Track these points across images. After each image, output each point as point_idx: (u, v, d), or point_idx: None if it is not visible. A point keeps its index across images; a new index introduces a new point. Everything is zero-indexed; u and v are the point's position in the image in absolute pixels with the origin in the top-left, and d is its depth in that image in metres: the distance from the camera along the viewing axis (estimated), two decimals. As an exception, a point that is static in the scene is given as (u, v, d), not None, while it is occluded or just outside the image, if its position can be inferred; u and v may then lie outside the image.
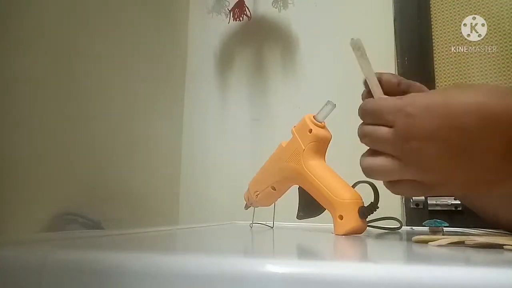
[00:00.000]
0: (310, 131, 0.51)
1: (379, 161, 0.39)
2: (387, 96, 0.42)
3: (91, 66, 0.83)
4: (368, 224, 0.50)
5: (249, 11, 1.11)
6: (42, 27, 0.71)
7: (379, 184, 0.44)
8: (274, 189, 0.56)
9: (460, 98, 0.35)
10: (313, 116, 0.53)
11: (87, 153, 0.80)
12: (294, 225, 0.68)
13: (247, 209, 0.62)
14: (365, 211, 0.47)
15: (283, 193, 0.58)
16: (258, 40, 1.23)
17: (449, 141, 0.35)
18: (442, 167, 0.36)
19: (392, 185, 0.40)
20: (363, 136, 0.41)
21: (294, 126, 0.55)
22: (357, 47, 0.50)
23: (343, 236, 0.47)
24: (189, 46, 1.30)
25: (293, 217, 0.57)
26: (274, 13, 1.14)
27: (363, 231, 0.48)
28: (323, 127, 0.53)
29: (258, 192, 0.58)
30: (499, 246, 0.28)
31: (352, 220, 0.47)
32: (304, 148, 0.51)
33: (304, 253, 0.34)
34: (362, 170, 0.41)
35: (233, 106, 1.23)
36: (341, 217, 0.47)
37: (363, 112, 0.42)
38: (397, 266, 0.20)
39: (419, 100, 0.37)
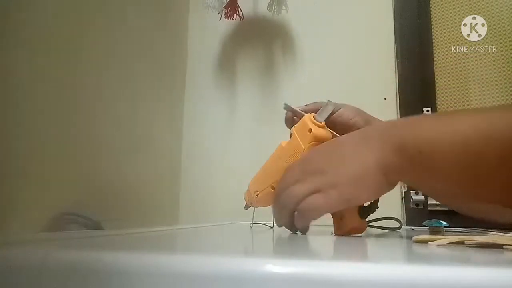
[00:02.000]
0: (310, 131, 0.51)
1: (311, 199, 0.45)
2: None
3: (91, 66, 0.83)
4: (368, 224, 0.51)
5: (241, 11, 1.12)
6: (42, 27, 0.71)
7: None
8: (274, 189, 0.56)
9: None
10: (313, 116, 0.53)
11: (87, 153, 0.80)
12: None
13: (247, 209, 0.62)
14: (365, 211, 0.47)
15: None
16: (258, 40, 1.23)
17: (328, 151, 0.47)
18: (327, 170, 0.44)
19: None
20: (295, 203, 0.46)
21: (294, 126, 0.55)
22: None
23: (343, 236, 0.47)
24: (189, 46, 1.30)
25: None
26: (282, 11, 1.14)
27: (363, 231, 0.48)
28: (323, 127, 0.52)
29: (258, 192, 0.58)
30: (499, 246, 0.28)
31: (352, 220, 0.47)
32: (304, 148, 0.51)
33: (304, 253, 0.34)
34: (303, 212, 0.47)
35: (233, 106, 1.23)
36: (341, 217, 0.47)
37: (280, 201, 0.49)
38: (397, 266, 0.20)
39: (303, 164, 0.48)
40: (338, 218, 0.48)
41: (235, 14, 1.10)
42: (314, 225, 0.55)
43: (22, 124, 0.66)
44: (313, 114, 0.53)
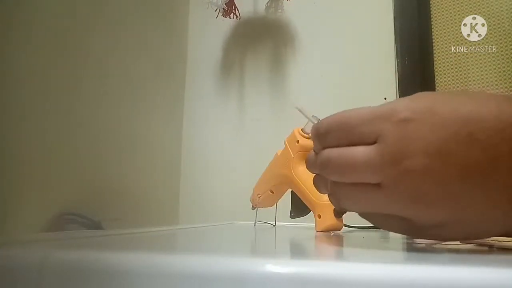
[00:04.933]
0: (298, 141, 0.58)
1: (355, 192, 0.28)
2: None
3: (91, 66, 0.83)
4: (345, 224, 0.57)
5: (238, 11, 1.12)
6: (42, 27, 0.71)
7: None
8: (272, 192, 0.63)
9: (472, 103, 0.26)
10: (301, 129, 0.59)
11: (87, 153, 0.80)
12: (295, 224, 0.68)
13: (253, 209, 0.68)
14: (339, 211, 0.53)
15: (281, 196, 0.64)
16: (258, 41, 1.23)
17: (464, 158, 0.24)
18: (448, 199, 0.25)
19: (371, 217, 0.30)
20: (325, 166, 0.29)
21: (286, 138, 0.61)
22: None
23: (329, 233, 0.53)
24: (189, 46, 1.30)
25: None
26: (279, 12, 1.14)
27: (340, 228, 0.55)
28: (310, 138, 0.58)
29: (260, 195, 0.65)
30: None
31: (328, 219, 0.53)
32: (293, 156, 0.58)
33: (304, 253, 0.34)
34: (329, 199, 0.32)
35: (233, 106, 1.23)
36: (319, 216, 0.54)
37: (321, 131, 0.29)
38: (397, 266, 0.20)
39: (413, 101, 0.26)
40: (317, 216, 0.55)
41: (232, 14, 1.11)
42: (313, 225, 0.56)
43: (22, 124, 0.66)
44: (301, 127, 0.59)
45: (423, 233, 0.27)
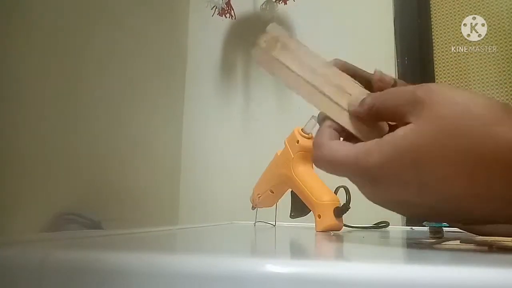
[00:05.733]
0: (298, 142, 0.58)
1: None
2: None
3: (91, 66, 0.83)
4: (345, 224, 0.57)
5: (234, 12, 1.12)
6: (43, 28, 0.71)
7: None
8: (272, 192, 0.63)
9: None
10: (301, 129, 0.59)
11: (87, 153, 0.80)
12: (295, 224, 0.68)
13: (253, 209, 0.68)
14: (339, 211, 0.53)
15: (281, 196, 0.64)
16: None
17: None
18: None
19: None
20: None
21: (286, 138, 0.61)
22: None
23: (329, 233, 0.53)
24: (189, 46, 1.30)
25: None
26: (275, 13, 1.14)
27: (340, 229, 0.54)
28: (310, 138, 0.58)
29: (260, 195, 0.65)
30: None
31: (328, 219, 0.53)
32: (293, 156, 0.58)
33: (304, 253, 0.34)
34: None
35: (233, 106, 1.23)
36: (319, 216, 0.54)
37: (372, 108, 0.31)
38: (397, 266, 0.20)
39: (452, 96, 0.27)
40: (317, 216, 0.54)
41: (227, 13, 1.11)
42: (313, 225, 0.56)
43: (22, 124, 0.66)
44: (301, 127, 0.59)
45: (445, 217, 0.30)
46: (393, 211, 0.30)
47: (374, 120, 0.32)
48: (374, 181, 0.28)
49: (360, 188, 0.30)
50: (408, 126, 0.27)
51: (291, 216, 0.62)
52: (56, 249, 0.26)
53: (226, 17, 1.11)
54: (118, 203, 0.89)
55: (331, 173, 0.31)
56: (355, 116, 0.33)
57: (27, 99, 0.67)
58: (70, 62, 0.77)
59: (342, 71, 0.39)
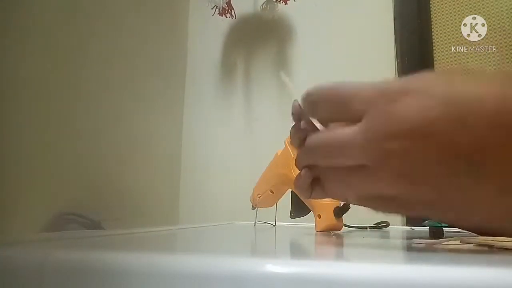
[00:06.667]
0: None
1: (341, 175, 0.28)
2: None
3: (91, 66, 0.83)
4: (345, 224, 0.57)
5: (234, 11, 1.12)
6: (43, 28, 0.71)
7: None
8: (272, 192, 0.63)
9: (468, 85, 0.25)
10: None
11: (87, 153, 0.80)
12: (295, 224, 0.68)
13: (253, 209, 0.68)
14: (338, 211, 0.53)
15: (281, 196, 0.64)
16: (258, 40, 1.23)
17: (450, 142, 0.24)
18: (434, 181, 0.25)
19: (361, 200, 0.29)
20: (312, 149, 0.29)
21: (287, 138, 0.61)
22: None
23: (329, 233, 0.54)
24: (189, 46, 1.30)
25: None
26: (276, 13, 1.14)
27: (340, 228, 0.55)
28: None
29: (259, 195, 0.65)
30: None
31: (328, 219, 0.53)
32: (293, 156, 0.57)
33: (304, 253, 0.34)
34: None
35: (233, 106, 1.23)
36: (319, 216, 0.54)
37: (312, 98, 0.29)
38: (397, 266, 0.20)
39: (409, 82, 0.26)
40: (317, 216, 0.54)
41: (228, 13, 1.11)
42: (313, 225, 0.56)
43: (22, 124, 0.66)
44: None
45: (413, 211, 0.27)
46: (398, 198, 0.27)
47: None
48: (389, 101, 0.25)
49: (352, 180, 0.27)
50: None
51: (291, 216, 0.62)
52: (56, 249, 0.25)
53: (226, 17, 1.11)
54: (118, 203, 0.89)
55: (327, 157, 0.27)
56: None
57: (27, 99, 0.67)
58: (70, 62, 0.77)
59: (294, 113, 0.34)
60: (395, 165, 0.25)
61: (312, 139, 0.28)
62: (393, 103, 0.25)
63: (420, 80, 0.26)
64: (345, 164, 0.27)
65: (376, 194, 0.27)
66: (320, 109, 0.28)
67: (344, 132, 0.27)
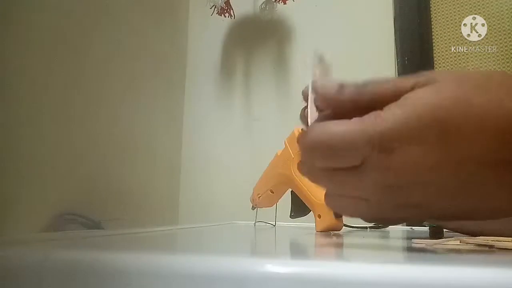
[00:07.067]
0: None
1: (346, 203, 0.28)
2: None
3: (91, 66, 0.83)
4: (345, 224, 0.57)
5: (233, 11, 1.12)
6: (42, 28, 0.71)
7: None
8: (272, 192, 0.63)
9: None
10: (301, 129, 0.59)
11: (87, 153, 0.80)
12: (295, 224, 0.68)
13: (253, 209, 0.68)
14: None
15: (281, 196, 0.64)
16: (258, 40, 1.23)
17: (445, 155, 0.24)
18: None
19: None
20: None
21: (286, 138, 0.61)
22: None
23: (329, 233, 0.54)
24: (189, 46, 1.30)
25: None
26: (274, 13, 1.14)
27: (340, 229, 0.55)
28: None
29: (260, 195, 0.65)
30: None
31: (328, 219, 0.53)
32: (293, 156, 0.58)
33: (304, 253, 0.34)
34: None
35: (233, 106, 1.23)
36: (319, 216, 0.54)
37: (307, 145, 0.27)
38: (397, 266, 0.20)
39: (401, 122, 0.24)
40: (317, 216, 0.55)
41: (227, 13, 1.11)
42: (313, 224, 0.56)
43: (22, 124, 0.66)
44: (302, 127, 0.58)
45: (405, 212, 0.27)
46: (397, 203, 0.26)
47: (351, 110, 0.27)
48: (384, 150, 0.24)
49: (360, 179, 0.26)
50: (419, 89, 0.25)
51: (291, 216, 0.62)
52: (56, 249, 0.26)
53: (225, 17, 1.11)
54: (118, 203, 0.89)
55: (327, 159, 0.26)
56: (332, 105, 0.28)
57: (27, 99, 0.67)
58: (70, 62, 0.77)
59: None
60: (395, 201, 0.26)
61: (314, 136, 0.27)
62: (388, 153, 0.24)
63: (415, 116, 0.25)
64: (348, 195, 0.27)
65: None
66: (317, 158, 0.27)
67: (347, 176, 0.26)
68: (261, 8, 1.12)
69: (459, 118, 0.24)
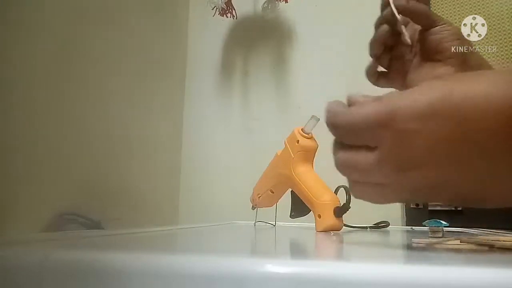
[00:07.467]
0: (298, 141, 0.58)
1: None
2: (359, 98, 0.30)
3: (91, 66, 0.83)
4: (345, 224, 0.57)
5: (235, 11, 1.12)
6: (42, 27, 0.71)
7: None
8: (272, 192, 0.64)
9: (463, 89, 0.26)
10: (301, 129, 0.59)
11: (87, 153, 0.80)
12: (295, 224, 0.68)
13: (253, 209, 0.68)
14: (339, 211, 0.54)
15: (281, 196, 0.64)
16: (258, 40, 1.23)
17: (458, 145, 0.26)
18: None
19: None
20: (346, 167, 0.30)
21: (287, 138, 0.62)
22: None
23: (329, 233, 0.54)
24: (189, 46, 1.30)
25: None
26: (277, 11, 1.14)
27: (340, 228, 0.55)
28: (310, 138, 0.59)
29: (260, 195, 0.65)
30: None
31: (328, 219, 0.54)
32: (293, 156, 0.59)
33: (304, 253, 0.34)
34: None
35: (233, 106, 1.23)
36: (319, 216, 0.54)
37: (335, 125, 0.30)
38: (397, 266, 0.20)
39: (415, 104, 0.26)
40: (317, 216, 0.55)
41: (229, 13, 1.11)
42: (313, 224, 0.56)
43: (22, 124, 0.66)
44: (301, 127, 0.59)
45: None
46: (414, 184, 0.28)
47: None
48: (398, 128, 0.26)
49: (383, 151, 0.27)
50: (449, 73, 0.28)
51: (291, 216, 0.62)
52: (56, 249, 0.26)
53: (227, 17, 1.11)
54: (118, 203, 0.89)
55: (349, 133, 0.29)
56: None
57: (27, 99, 0.67)
58: (70, 62, 0.77)
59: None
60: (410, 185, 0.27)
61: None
62: (404, 133, 0.26)
63: (425, 100, 0.26)
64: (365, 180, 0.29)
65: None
66: (342, 137, 0.30)
67: (362, 158, 0.29)
68: (263, 7, 1.12)
69: (469, 98, 0.25)
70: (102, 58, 0.87)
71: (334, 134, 0.31)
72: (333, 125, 0.30)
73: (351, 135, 0.29)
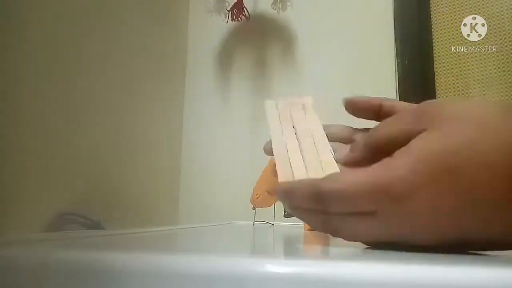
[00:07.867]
0: None
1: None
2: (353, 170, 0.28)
3: (91, 66, 0.83)
4: None
5: (247, 11, 1.11)
6: (42, 27, 0.71)
7: None
8: (269, 192, 0.64)
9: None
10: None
11: (87, 153, 0.80)
12: (295, 224, 0.68)
13: (254, 209, 0.69)
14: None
15: None
16: (258, 40, 1.23)
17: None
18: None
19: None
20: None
21: None
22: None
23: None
24: (189, 46, 1.30)
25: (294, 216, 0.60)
26: (275, 12, 1.14)
27: None
28: None
29: (258, 195, 0.66)
30: None
31: None
32: None
33: (304, 253, 0.34)
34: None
35: (233, 105, 1.23)
36: None
37: (321, 197, 0.27)
38: (397, 266, 0.20)
39: (413, 170, 0.24)
40: None
41: (241, 15, 1.10)
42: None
43: (22, 124, 0.66)
44: None
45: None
46: (412, 240, 0.27)
47: (371, 157, 0.28)
48: (397, 200, 0.25)
49: (376, 224, 0.26)
50: (424, 134, 0.25)
51: (285, 215, 0.63)
52: (56, 249, 0.25)
53: (240, 20, 1.11)
54: (118, 203, 0.89)
55: (342, 206, 0.27)
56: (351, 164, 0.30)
57: (27, 99, 0.67)
58: (70, 61, 0.77)
59: (351, 108, 0.38)
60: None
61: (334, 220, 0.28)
62: (401, 201, 0.25)
63: (426, 166, 0.24)
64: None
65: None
66: (332, 208, 0.27)
67: (361, 221, 0.27)
68: (274, 2, 1.11)
69: (466, 160, 0.24)
70: (103, 58, 0.87)
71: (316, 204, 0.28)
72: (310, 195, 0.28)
73: (342, 206, 0.27)
